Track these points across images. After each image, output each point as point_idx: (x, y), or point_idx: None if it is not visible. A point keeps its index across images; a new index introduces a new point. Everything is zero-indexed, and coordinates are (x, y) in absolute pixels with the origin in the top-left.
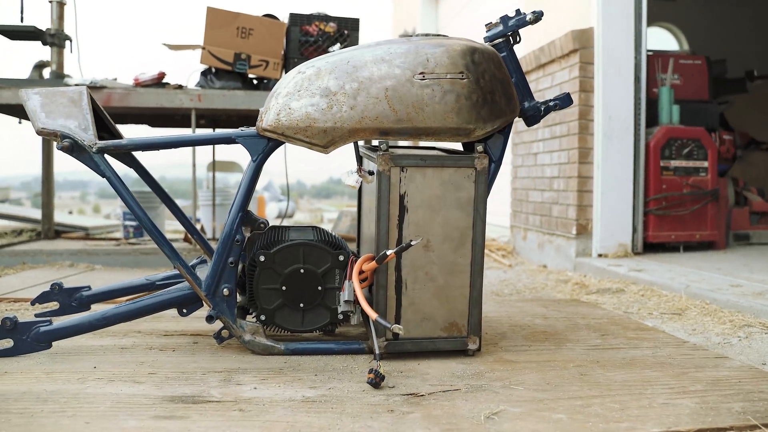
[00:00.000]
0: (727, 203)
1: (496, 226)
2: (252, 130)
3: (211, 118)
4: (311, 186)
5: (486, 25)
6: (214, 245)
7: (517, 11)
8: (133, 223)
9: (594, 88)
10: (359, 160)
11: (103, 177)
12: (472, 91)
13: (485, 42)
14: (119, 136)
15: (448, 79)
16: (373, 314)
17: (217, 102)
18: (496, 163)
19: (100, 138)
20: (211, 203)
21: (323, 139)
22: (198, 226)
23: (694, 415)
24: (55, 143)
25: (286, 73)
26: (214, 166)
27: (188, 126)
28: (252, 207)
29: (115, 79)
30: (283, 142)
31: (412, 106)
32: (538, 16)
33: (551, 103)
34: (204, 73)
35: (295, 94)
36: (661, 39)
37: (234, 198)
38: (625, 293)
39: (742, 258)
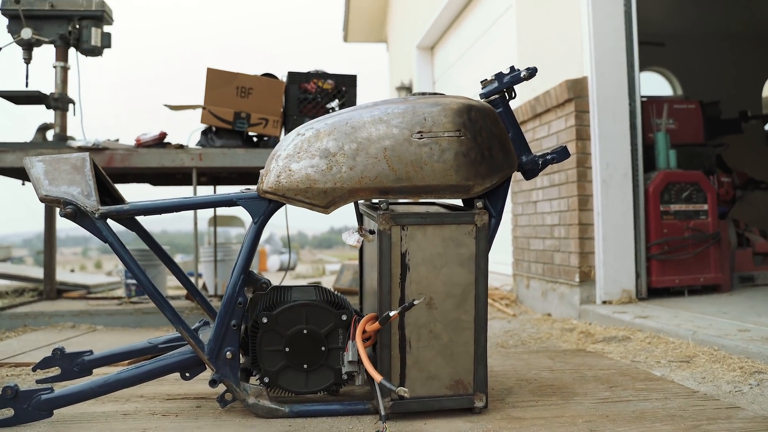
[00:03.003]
0: (730, 245)
1: (499, 274)
2: (252, 192)
3: (212, 175)
4: (312, 237)
5: (481, 82)
6: (216, 302)
7: (512, 68)
8: (135, 281)
9: (590, 135)
10: (360, 219)
11: (106, 242)
12: (470, 149)
13: (481, 99)
14: (121, 199)
15: (445, 138)
16: (377, 377)
17: (218, 161)
18: (496, 218)
19: (103, 203)
20: (213, 259)
21: (324, 200)
22: (200, 283)
23: None
24: (58, 209)
25: (285, 130)
26: (215, 222)
27: (190, 184)
28: (254, 260)
29: (117, 140)
30: (284, 204)
31: (411, 164)
32: (531, 73)
33: (548, 157)
34: (204, 132)
35: (294, 155)
36: (655, 83)
37: (236, 259)
38: (631, 341)
39: (747, 300)
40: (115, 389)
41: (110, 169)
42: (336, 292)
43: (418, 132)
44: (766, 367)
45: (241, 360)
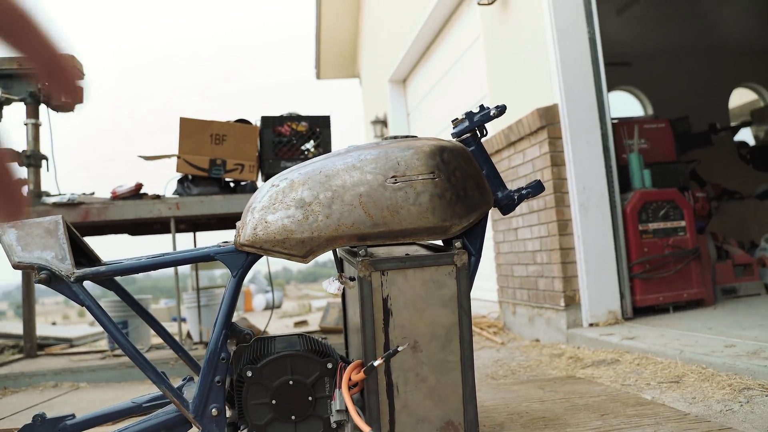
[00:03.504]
0: (710, 259)
1: (485, 301)
2: (230, 245)
3: (191, 222)
4: (297, 271)
5: (452, 121)
6: (201, 351)
7: (481, 106)
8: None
9: (565, 161)
10: (339, 266)
11: (83, 306)
12: (444, 190)
13: (453, 137)
14: (97, 259)
15: (420, 180)
16: (366, 428)
17: (196, 209)
18: (475, 255)
19: (78, 264)
20: (196, 305)
21: (302, 250)
22: (184, 330)
23: None
24: (32, 276)
25: (262, 173)
26: (197, 267)
27: (168, 232)
28: (240, 300)
29: (93, 193)
30: (262, 255)
31: (387, 209)
32: (501, 111)
33: (524, 191)
34: (181, 181)
35: (270, 207)
36: (625, 102)
37: (217, 312)
38: (620, 363)
39: (731, 313)
40: None
41: (87, 224)
42: (321, 339)
43: (392, 177)
44: (754, 383)
45: (228, 413)
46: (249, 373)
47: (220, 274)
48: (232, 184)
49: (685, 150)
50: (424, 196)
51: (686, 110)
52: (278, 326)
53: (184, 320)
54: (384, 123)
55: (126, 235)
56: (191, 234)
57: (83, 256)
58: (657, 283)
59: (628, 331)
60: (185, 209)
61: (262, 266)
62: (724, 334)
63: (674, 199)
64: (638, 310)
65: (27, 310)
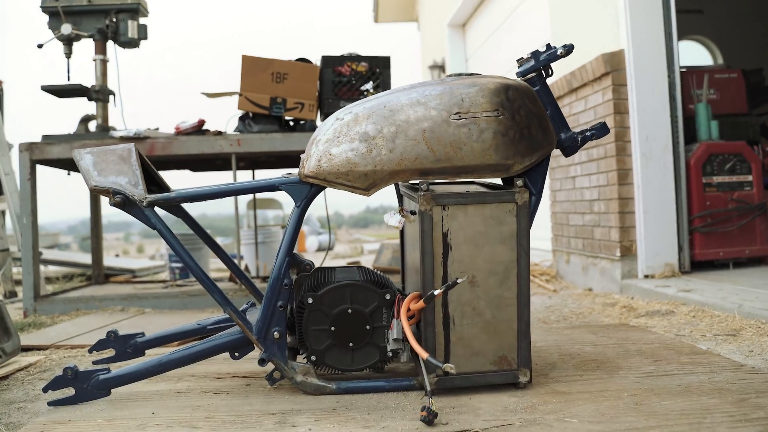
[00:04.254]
0: None
1: (538, 250)
2: (294, 176)
3: (251, 160)
4: (349, 216)
5: (517, 61)
6: (258, 284)
7: (548, 45)
8: (179, 265)
9: (629, 109)
10: (400, 200)
11: (154, 229)
12: (508, 128)
13: (518, 77)
14: (166, 187)
15: (483, 118)
16: (423, 354)
17: (256, 145)
18: (536, 195)
19: (149, 191)
20: (253, 242)
21: (364, 183)
22: (242, 265)
23: None
24: (107, 199)
25: (321, 113)
26: (255, 205)
27: (229, 169)
28: None
29: (157, 129)
30: (325, 187)
31: (450, 145)
32: (568, 50)
33: (588, 133)
34: (242, 118)
35: (334, 140)
36: (694, 52)
37: (280, 242)
38: (675, 315)
39: None
40: (169, 369)
41: (151, 158)
42: (379, 272)
43: (456, 113)
44: None
45: (288, 340)
46: (310, 300)
47: (273, 215)
48: (291, 123)
49: (757, 104)
50: (488, 134)
51: (761, 62)
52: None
53: (241, 257)
54: (442, 68)
55: (188, 171)
56: (250, 172)
57: (154, 184)
58: (718, 238)
59: (684, 284)
60: (246, 146)
61: (315, 210)
62: None
63: (742, 153)
64: (696, 264)
65: (95, 240)
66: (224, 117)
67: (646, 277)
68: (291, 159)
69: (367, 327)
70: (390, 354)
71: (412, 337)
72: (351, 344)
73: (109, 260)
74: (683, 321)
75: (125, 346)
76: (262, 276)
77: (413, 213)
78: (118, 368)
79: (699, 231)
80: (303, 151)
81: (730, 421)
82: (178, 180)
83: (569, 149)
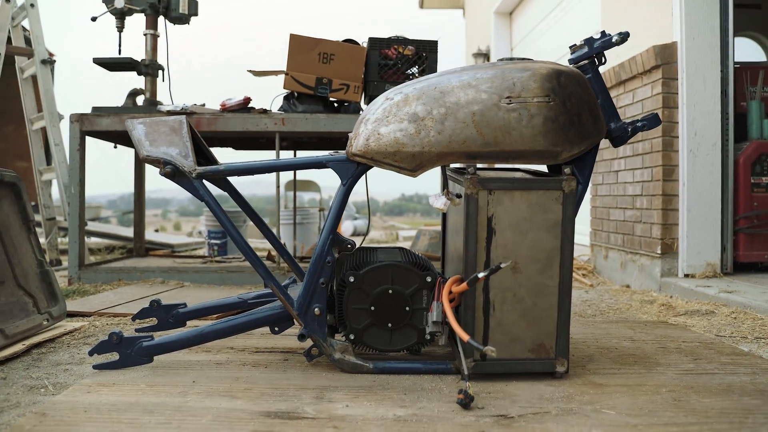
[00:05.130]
0: None
1: (576, 244)
2: (341, 154)
3: (293, 140)
4: (383, 203)
5: (570, 47)
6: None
7: (602, 33)
8: (218, 242)
9: (678, 103)
10: (445, 183)
11: (202, 201)
12: (559, 114)
13: (570, 64)
14: (215, 161)
15: (534, 103)
16: (464, 336)
17: (300, 125)
18: (583, 184)
19: (198, 164)
20: (292, 222)
21: (411, 164)
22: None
23: None
24: (157, 169)
25: (365, 96)
26: (294, 186)
27: (271, 148)
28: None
29: (204, 105)
30: (372, 166)
31: (499, 129)
32: (623, 38)
33: (639, 124)
34: (287, 98)
35: (383, 120)
36: (746, 49)
37: (325, 220)
38: (716, 315)
39: None
40: (210, 340)
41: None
42: (420, 255)
43: (507, 97)
44: None
45: (327, 318)
46: (351, 279)
47: (308, 199)
48: (336, 104)
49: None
50: (538, 119)
51: None
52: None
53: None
54: (486, 56)
55: (231, 150)
56: (292, 152)
57: (203, 157)
58: (763, 240)
59: (726, 285)
60: (290, 125)
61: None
62: None
63: None
64: (739, 266)
65: (138, 213)
66: (270, 96)
67: (687, 276)
68: (334, 141)
69: (407, 308)
70: (428, 336)
71: (453, 319)
72: (390, 325)
73: (148, 235)
74: (724, 322)
75: (167, 315)
76: (299, 256)
77: (459, 196)
78: (160, 336)
79: (744, 232)
80: (347, 133)
81: None
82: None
83: (618, 139)
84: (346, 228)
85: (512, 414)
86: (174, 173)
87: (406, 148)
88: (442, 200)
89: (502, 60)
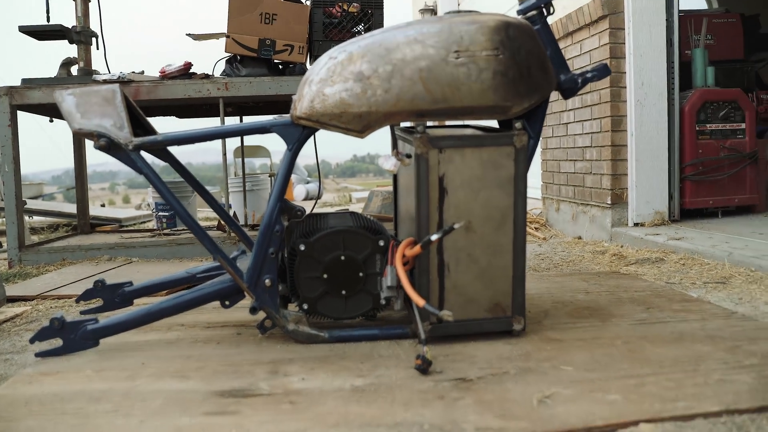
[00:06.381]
0: (767, 165)
1: (528, 198)
2: (286, 118)
3: (238, 105)
4: (336, 165)
5: None
6: (247, 232)
7: None
8: (166, 214)
9: (625, 53)
10: (395, 143)
11: (141, 174)
12: (508, 68)
13: (518, 15)
14: (153, 131)
15: (483, 57)
16: (420, 301)
17: (244, 90)
18: (534, 139)
19: (135, 134)
20: (241, 189)
21: (359, 124)
22: (230, 213)
23: (753, 391)
24: (92, 142)
25: (311, 56)
26: (243, 152)
27: (216, 115)
28: None
29: (142, 72)
30: (318, 129)
31: (447, 86)
32: None
33: (589, 75)
34: (229, 61)
35: (328, 80)
36: None
37: (271, 187)
38: (665, 263)
39: None
40: (158, 318)
41: (137, 102)
42: (372, 218)
43: (455, 51)
44: None
45: (279, 288)
46: (302, 247)
47: (260, 164)
48: (280, 66)
49: (753, 51)
50: (487, 73)
51: (757, 8)
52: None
53: (230, 207)
54: (433, 11)
55: (174, 118)
56: (237, 118)
57: (140, 128)
58: (708, 186)
59: (674, 232)
60: (234, 90)
61: (301, 158)
62: None
63: (737, 100)
64: (685, 212)
65: (80, 187)
66: (212, 60)
67: (636, 225)
68: (280, 104)
69: (360, 274)
70: (383, 302)
71: (407, 284)
72: (344, 292)
73: (94, 210)
74: (673, 269)
75: (113, 295)
76: (251, 224)
77: (409, 156)
78: (106, 318)
79: (690, 179)
80: (292, 96)
81: (724, 368)
82: (163, 127)
83: (568, 91)
84: (298, 193)
85: (471, 376)
86: (109, 146)
87: (353, 108)
88: (391, 161)
89: (449, 13)
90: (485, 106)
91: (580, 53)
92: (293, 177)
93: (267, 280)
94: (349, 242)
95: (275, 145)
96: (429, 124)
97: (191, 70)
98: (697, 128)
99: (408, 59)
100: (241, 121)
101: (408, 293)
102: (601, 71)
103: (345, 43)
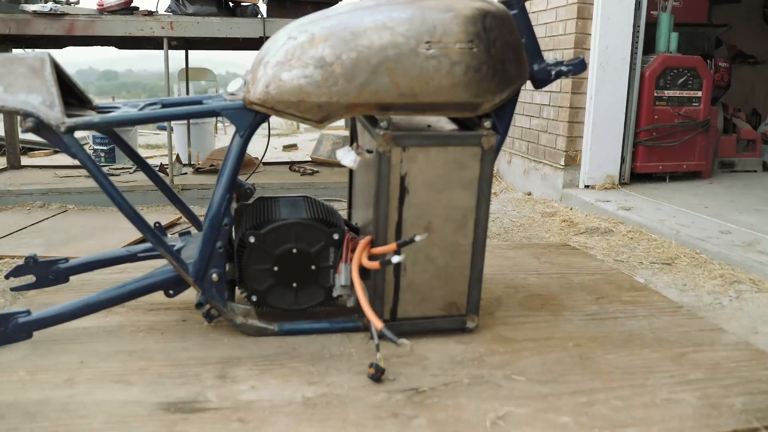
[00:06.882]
0: (717, 132)
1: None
2: (238, 102)
3: (184, 38)
4: None
5: None
6: (190, 177)
7: None
8: (104, 148)
9: (592, 15)
10: (355, 136)
11: (74, 158)
12: (481, 62)
13: None
14: (87, 100)
15: (456, 50)
16: (378, 324)
17: (191, 30)
18: (502, 134)
19: (68, 106)
20: (185, 123)
21: (317, 114)
22: (173, 155)
23: (696, 416)
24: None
25: None
26: (187, 76)
27: (159, 48)
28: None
29: (78, 2)
30: (272, 115)
31: (416, 79)
32: None
33: (564, 69)
34: None
35: (286, 63)
36: None
37: (219, 176)
38: (614, 234)
39: (727, 192)
40: (97, 310)
41: (71, 39)
42: (326, 206)
43: (427, 42)
44: (745, 276)
45: (226, 268)
46: (252, 239)
47: (207, 87)
48: (231, 4)
49: (713, 3)
50: (459, 68)
51: None
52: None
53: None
54: None
55: (114, 49)
56: (183, 52)
57: (72, 95)
58: (660, 152)
59: (624, 199)
60: (180, 30)
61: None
62: (720, 217)
63: (696, 68)
64: (635, 176)
65: (8, 119)
66: None
67: (587, 187)
68: (226, 42)
69: (313, 267)
70: (336, 297)
71: (365, 302)
72: (294, 284)
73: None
74: (621, 243)
75: (47, 272)
76: (197, 167)
77: (370, 152)
78: (40, 310)
79: (643, 144)
80: (243, 40)
81: (671, 383)
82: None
83: (540, 82)
84: None
85: (424, 386)
86: (38, 127)
87: (312, 97)
88: (351, 156)
89: None
90: (455, 102)
91: (546, 8)
92: None
93: (214, 275)
94: (301, 235)
95: (223, 67)
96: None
97: (133, 4)
98: (656, 94)
99: (375, 47)
100: (186, 55)
101: (365, 312)
102: (577, 66)
103: (306, 21)
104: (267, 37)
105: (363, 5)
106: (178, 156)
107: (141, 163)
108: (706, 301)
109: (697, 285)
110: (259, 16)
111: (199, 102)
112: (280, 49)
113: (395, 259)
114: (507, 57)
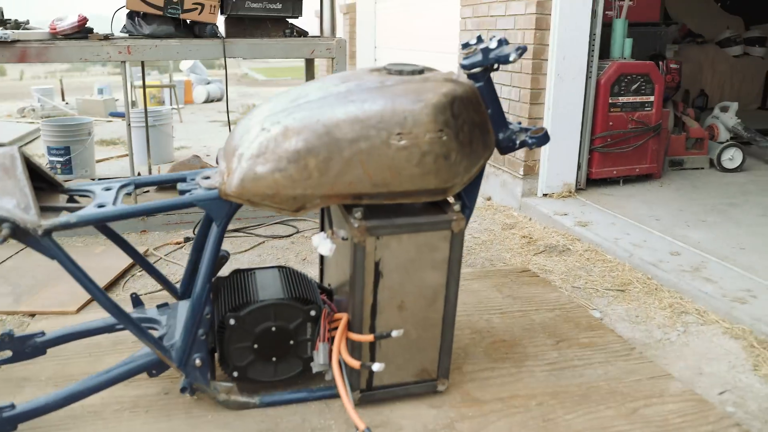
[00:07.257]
0: (667, 133)
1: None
2: (214, 192)
3: None
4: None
5: (463, 47)
6: (152, 193)
7: (500, 41)
8: (60, 159)
9: (550, 26)
10: (330, 223)
11: (53, 259)
12: (450, 149)
13: (463, 70)
14: (57, 183)
15: (426, 140)
16: (361, 425)
17: (149, 54)
18: (470, 208)
19: (38, 190)
20: (143, 125)
21: (293, 206)
22: (135, 171)
23: None
24: None
25: (222, 14)
26: (145, 93)
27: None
28: (180, 93)
29: (27, 22)
30: (248, 205)
31: (388, 170)
32: (521, 53)
33: (529, 140)
34: (130, 16)
35: (260, 156)
36: None
37: (200, 266)
38: (571, 254)
39: (677, 197)
40: (82, 398)
41: (24, 64)
42: (301, 276)
43: (398, 134)
44: (692, 306)
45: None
46: (231, 321)
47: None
48: (188, 22)
49: None
50: (429, 158)
51: None
52: (224, 136)
53: (122, 115)
54: None
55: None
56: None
57: (41, 181)
58: (614, 157)
59: (580, 212)
60: (137, 54)
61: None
62: (670, 233)
63: (649, 73)
64: (591, 182)
65: None
66: (108, 10)
67: (545, 195)
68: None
69: (291, 342)
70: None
71: (347, 399)
72: (274, 358)
73: None
74: (578, 264)
75: (23, 346)
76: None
77: (345, 239)
78: (25, 402)
79: (598, 150)
80: (217, 162)
81: None
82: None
83: (505, 149)
84: (198, 94)
85: None
86: (14, 233)
87: (287, 190)
88: (327, 245)
89: (392, 73)
90: (426, 189)
91: (505, 14)
92: (192, 77)
93: (197, 360)
94: (280, 314)
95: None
96: None
97: (87, 25)
98: (611, 101)
99: (347, 140)
100: (143, 67)
101: (347, 410)
102: (540, 140)
103: (278, 108)
104: (226, 58)
105: (334, 91)
106: (139, 174)
107: (136, 256)
108: (656, 336)
109: (648, 317)
110: (218, 35)
111: (175, 180)
112: (253, 141)
113: (375, 367)
114: (474, 136)
